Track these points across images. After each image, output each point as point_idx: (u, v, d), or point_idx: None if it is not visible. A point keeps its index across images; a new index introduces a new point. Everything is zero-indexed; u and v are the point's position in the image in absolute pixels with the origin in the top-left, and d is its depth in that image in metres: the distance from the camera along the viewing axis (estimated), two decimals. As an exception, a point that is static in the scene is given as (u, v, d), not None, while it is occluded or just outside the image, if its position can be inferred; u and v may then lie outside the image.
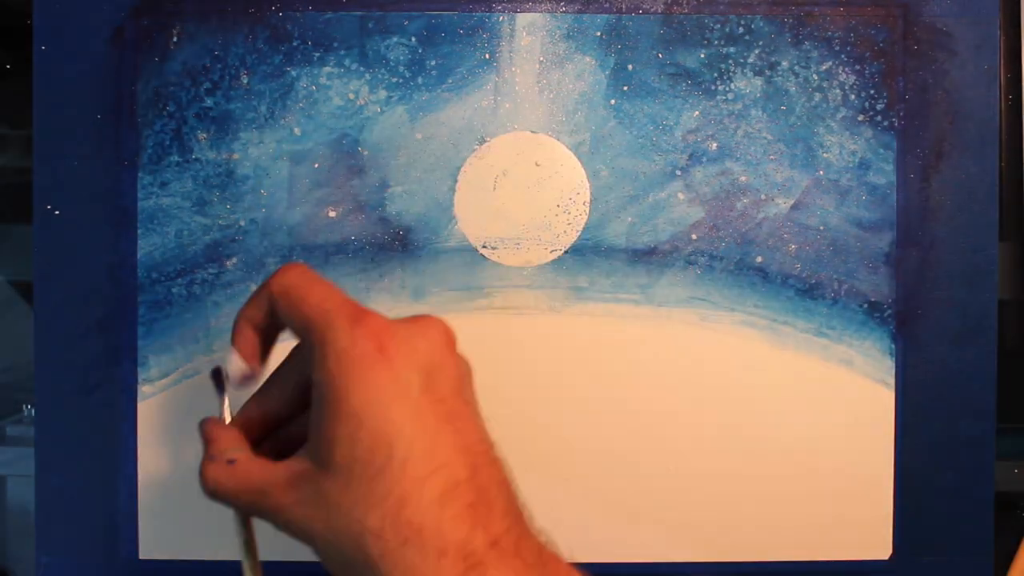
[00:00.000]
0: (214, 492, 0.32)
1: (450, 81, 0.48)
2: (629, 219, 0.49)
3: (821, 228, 0.49)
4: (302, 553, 0.30)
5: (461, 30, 0.48)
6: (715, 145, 0.49)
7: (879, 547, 0.49)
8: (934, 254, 0.49)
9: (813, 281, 0.49)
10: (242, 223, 0.49)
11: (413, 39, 0.48)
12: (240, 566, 0.34)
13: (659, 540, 0.48)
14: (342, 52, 0.48)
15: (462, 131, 0.49)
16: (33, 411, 0.49)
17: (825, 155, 0.49)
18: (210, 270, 0.49)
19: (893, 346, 0.49)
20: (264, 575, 0.34)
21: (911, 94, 0.49)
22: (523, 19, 0.48)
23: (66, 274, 0.49)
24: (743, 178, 0.49)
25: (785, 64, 0.49)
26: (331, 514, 0.29)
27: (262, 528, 0.33)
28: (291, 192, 0.48)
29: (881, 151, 0.49)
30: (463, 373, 0.33)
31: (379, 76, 0.48)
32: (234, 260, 0.49)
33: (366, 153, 0.49)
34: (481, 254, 0.49)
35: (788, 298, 0.49)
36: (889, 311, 0.49)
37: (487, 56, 0.48)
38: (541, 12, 0.48)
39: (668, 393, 0.49)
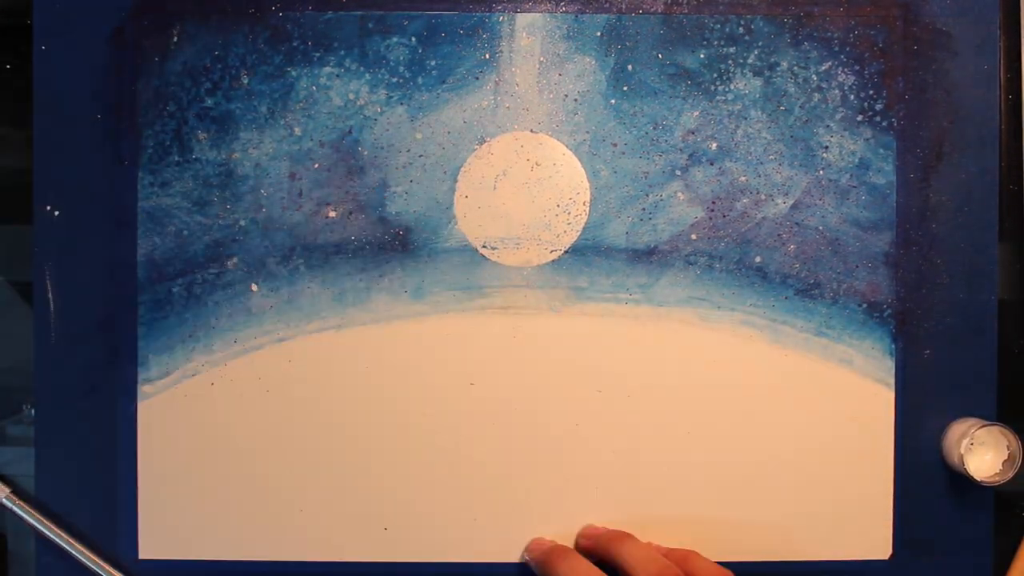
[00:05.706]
0: None
1: (450, 81, 0.48)
2: (629, 219, 0.49)
3: (821, 228, 0.49)
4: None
5: (461, 30, 0.48)
6: (715, 145, 0.49)
7: (879, 547, 0.49)
8: (934, 254, 0.49)
9: (812, 281, 0.49)
10: (242, 223, 0.49)
11: (413, 39, 0.48)
12: None
13: (659, 540, 0.48)
14: (342, 52, 0.48)
15: (462, 131, 0.49)
16: (33, 411, 0.49)
17: (825, 155, 0.49)
18: (210, 270, 0.49)
19: (893, 346, 0.49)
20: None
21: (911, 94, 0.49)
22: (523, 19, 0.48)
23: (66, 274, 0.49)
24: (743, 178, 0.49)
25: (785, 64, 0.49)
26: None
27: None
28: (291, 192, 0.48)
29: (881, 151, 0.49)
30: None
31: (379, 76, 0.48)
32: (234, 260, 0.49)
33: (366, 153, 0.49)
34: (481, 254, 0.49)
35: (787, 298, 0.49)
36: (889, 311, 0.49)
37: (487, 56, 0.48)
38: (541, 12, 0.48)
39: (668, 393, 0.49)
